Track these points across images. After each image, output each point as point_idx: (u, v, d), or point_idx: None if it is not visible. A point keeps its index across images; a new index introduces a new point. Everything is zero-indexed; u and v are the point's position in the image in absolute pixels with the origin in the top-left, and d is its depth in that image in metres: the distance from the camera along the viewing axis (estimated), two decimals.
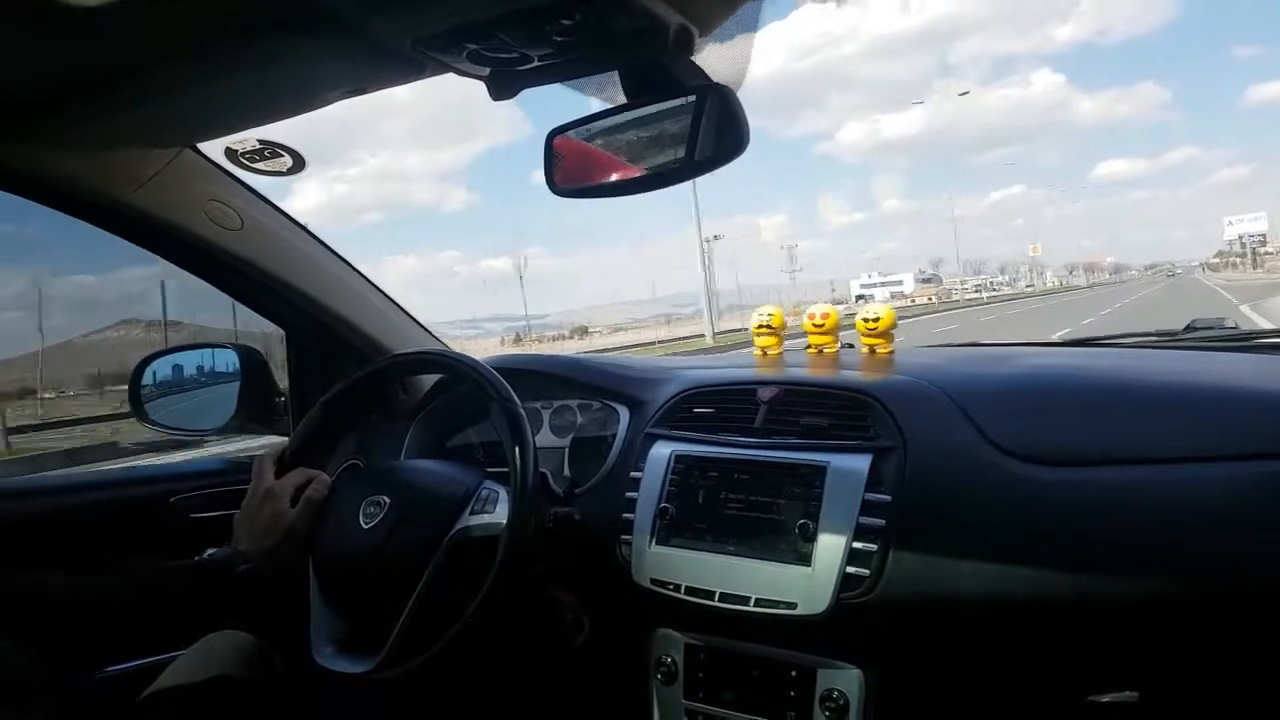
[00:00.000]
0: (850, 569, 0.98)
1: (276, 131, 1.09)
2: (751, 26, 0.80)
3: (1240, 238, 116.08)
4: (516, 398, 1.08)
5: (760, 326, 1.45)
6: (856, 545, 0.99)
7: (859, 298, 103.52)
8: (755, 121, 0.78)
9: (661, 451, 1.17)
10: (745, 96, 0.79)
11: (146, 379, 1.52)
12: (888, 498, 1.00)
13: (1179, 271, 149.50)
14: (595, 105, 0.86)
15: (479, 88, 0.83)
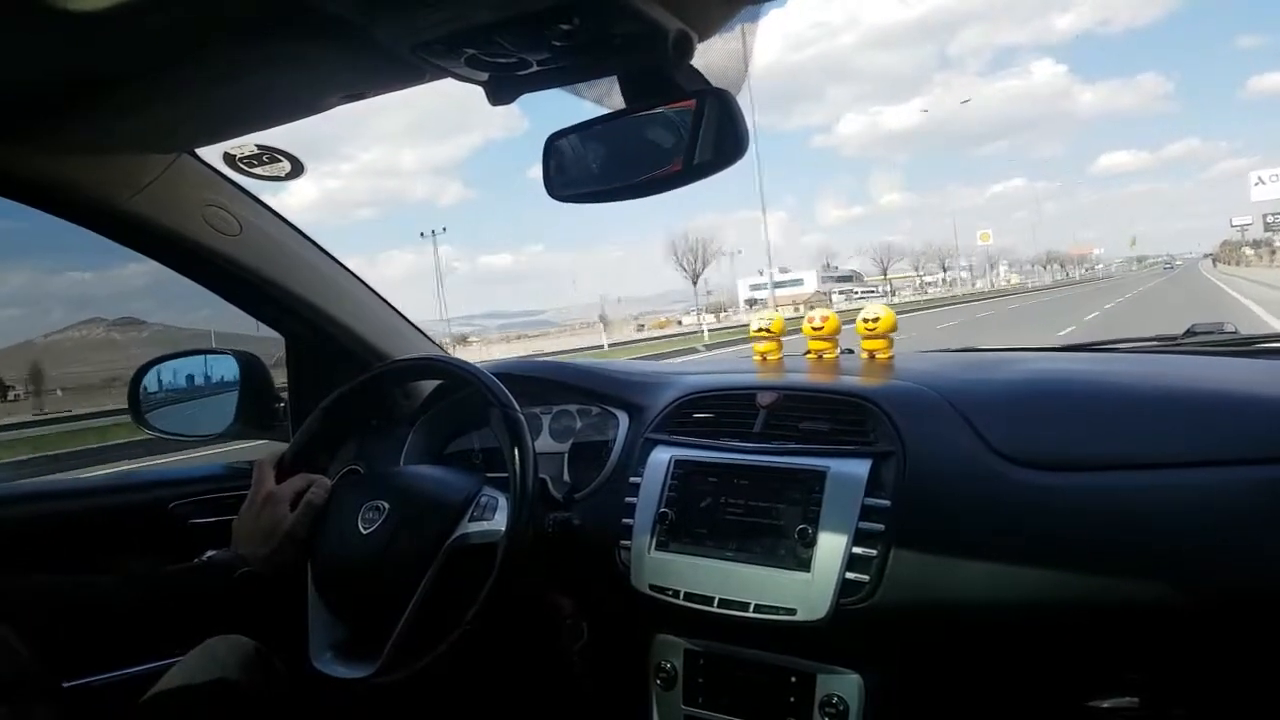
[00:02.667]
0: (850, 574, 0.98)
1: (272, 135, 1.09)
2: (750, 31, 0.80)
3: (1265, 217, 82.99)
4: (516, 403, 1.08)
5: (759, 330, 1.45)
6: (856, 550, 0.98)
7: (749, 302, 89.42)
8: (751, 117, 0.78)
9: (661, 457, 1.17)
10: (743, 95, 0.79)
11: (145, 385, 1.52)
12: (887, 503, 0.99)
13: (1179, 264, 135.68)
14: (594, 110, 0.86)
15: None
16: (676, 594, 1.08)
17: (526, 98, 0.84)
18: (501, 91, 0.82)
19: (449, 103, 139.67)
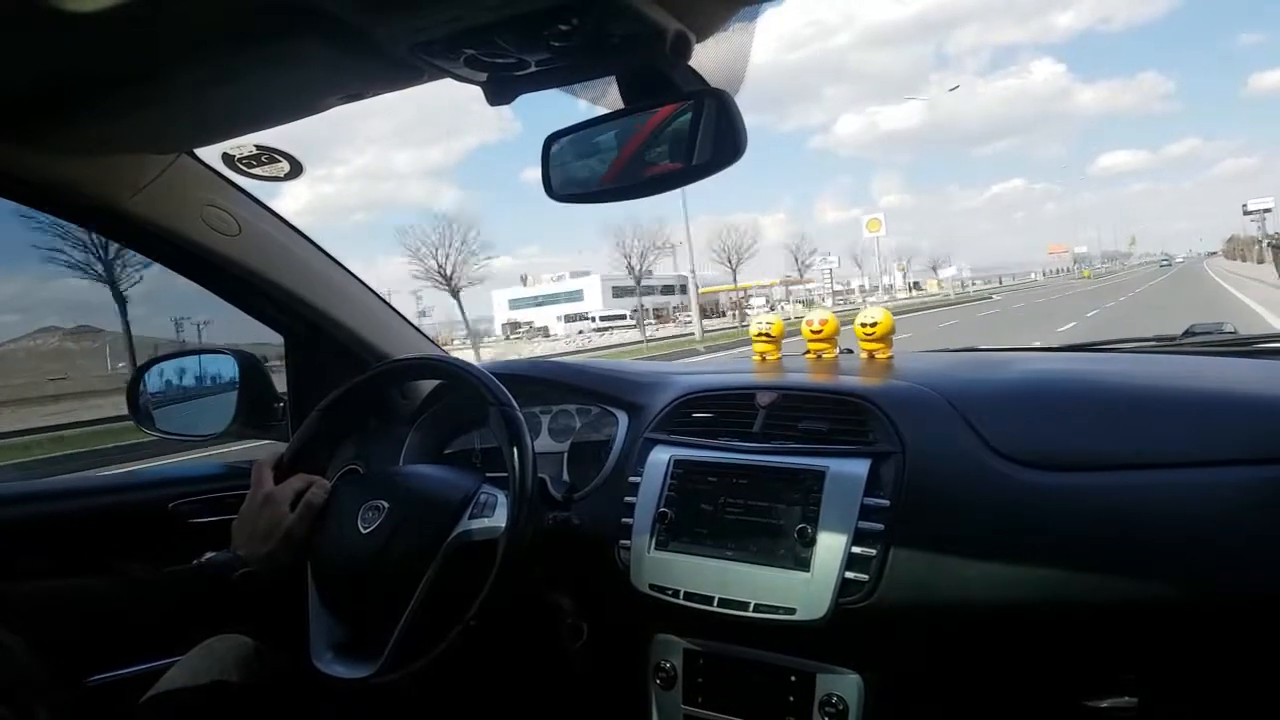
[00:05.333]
0: (849, 574, 0.98)
1: (269, 135, 1.10)
2: (748, 32, 0.80)
3: None
4: (515, 403, 1.08)
5: (760, 334, 1.45)
6: (855, 550, 0.99)
7: (510, 325, 63.10)
8: (748, 118, 0.78)
9: (660, 456, 1.17)
10: (741, 95, 0.79)
11: (145, 385, 1.53)
12: (886, 502, 1.00)
13: (1180, 261, 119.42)
14: (595, 110, 0.86)
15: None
16: (676, 593, 1.08)
17: (524, 100, 0.84)
18: (500, 92, 0.82)
19: (444, 104, 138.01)
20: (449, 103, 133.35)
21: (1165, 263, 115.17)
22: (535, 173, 0.87)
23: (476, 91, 0.82)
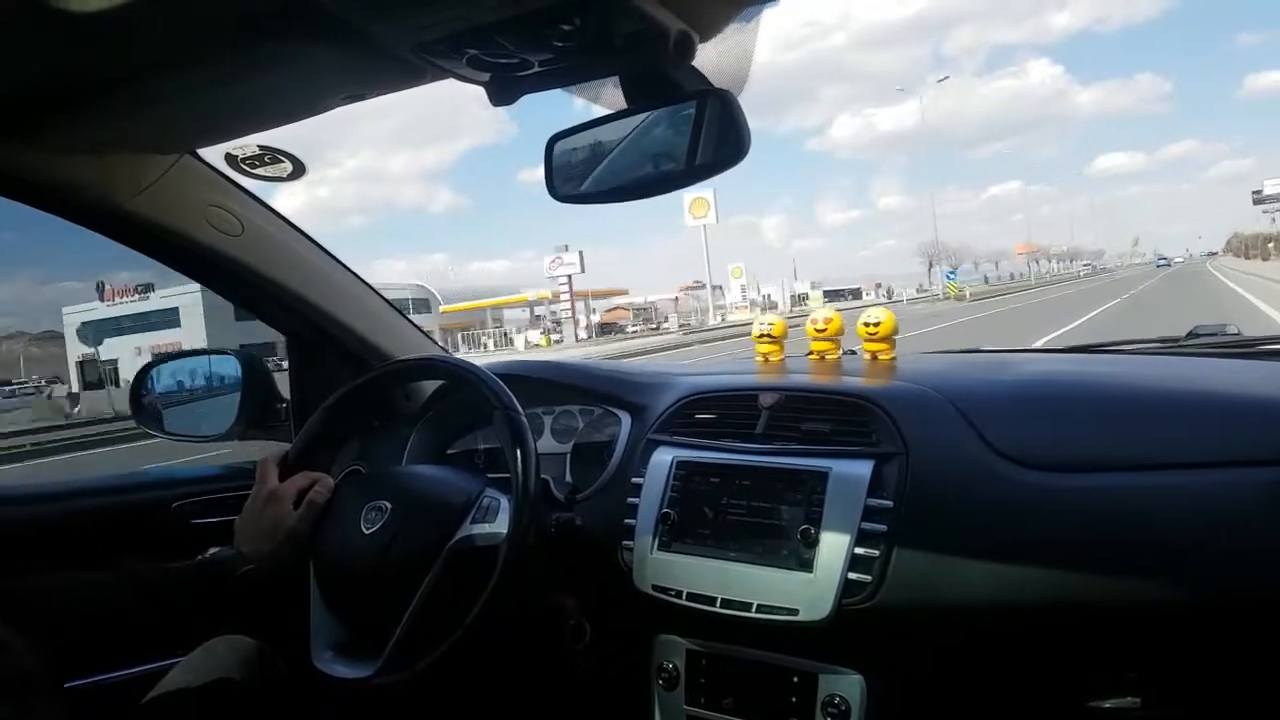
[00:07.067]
0: (852, 575, 0.98)
1: (265, 136, 1.09)
2: (751, 32, 0.80)
3: None
4: (518, 404, 1.08)
5: (761, 335, 1.45)
6: (858, 551, 0.98)
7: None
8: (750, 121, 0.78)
9: (663, 457, 1.17)
10: (743, 97, 0.79)
11: (147, 385, 1.53)
12: (889, 503, 0.99)
13: (1179, 261, 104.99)
14: (596, 110, 0.86)
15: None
16: (679, 594, 1.08)
17: (526, 100, 0.83)
18: (503, 92, 0.82)
19: (438, 106, 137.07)
20: (446, 105, 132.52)
21: (1163, 263, 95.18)
22: (528, 174, 0.87)
23: (476, 91, 0.82)
